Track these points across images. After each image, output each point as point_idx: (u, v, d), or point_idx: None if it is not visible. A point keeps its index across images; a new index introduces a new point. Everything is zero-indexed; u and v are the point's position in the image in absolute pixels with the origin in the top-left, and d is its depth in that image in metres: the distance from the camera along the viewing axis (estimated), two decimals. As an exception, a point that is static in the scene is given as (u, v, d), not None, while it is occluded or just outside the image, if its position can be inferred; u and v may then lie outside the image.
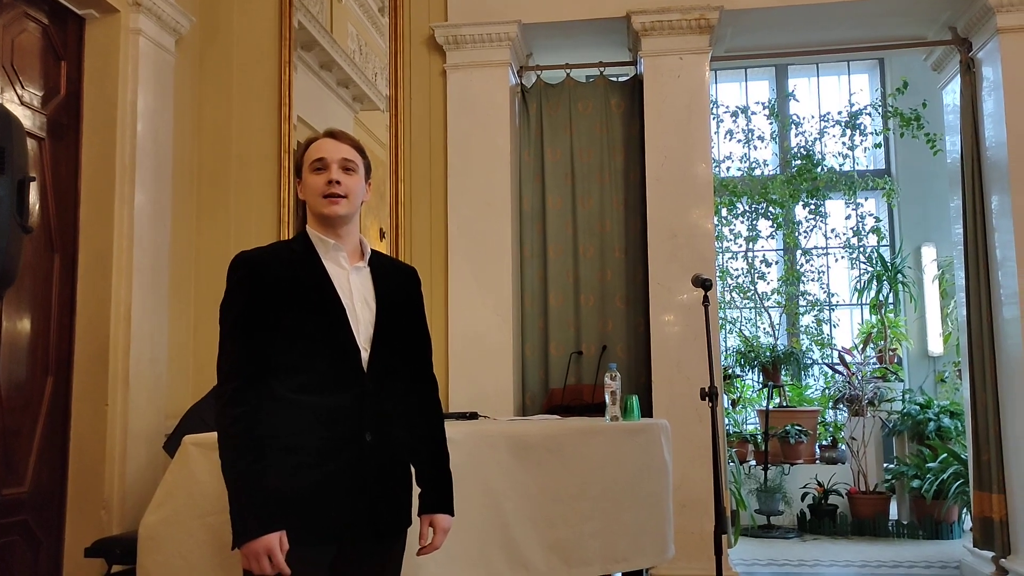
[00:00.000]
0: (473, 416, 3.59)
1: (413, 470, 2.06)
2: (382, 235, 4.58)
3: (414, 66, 4.61)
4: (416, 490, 2.06)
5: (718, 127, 7.34)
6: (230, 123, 4.56)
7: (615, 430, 3.15)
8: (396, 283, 2.06)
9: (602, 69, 4.81)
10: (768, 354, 6.91)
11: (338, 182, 1.94)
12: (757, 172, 7.30)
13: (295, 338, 1.87)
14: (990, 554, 4.42)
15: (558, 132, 4.79)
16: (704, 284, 3.01)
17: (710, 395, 2.78)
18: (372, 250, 2.05)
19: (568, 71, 4.82)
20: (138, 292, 3.88)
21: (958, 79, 4.61)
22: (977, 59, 4.50)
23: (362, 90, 4.72)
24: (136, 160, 3.91)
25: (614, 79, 4.81)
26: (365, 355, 1.92)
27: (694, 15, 4.39)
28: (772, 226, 7.24)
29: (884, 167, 7.87)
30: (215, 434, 1.85)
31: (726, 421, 6.84)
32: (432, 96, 4.58)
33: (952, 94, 4.75)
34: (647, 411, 4.20)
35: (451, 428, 2.30)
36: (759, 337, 7.20)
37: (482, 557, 2.72)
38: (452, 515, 2.07)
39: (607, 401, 3.28)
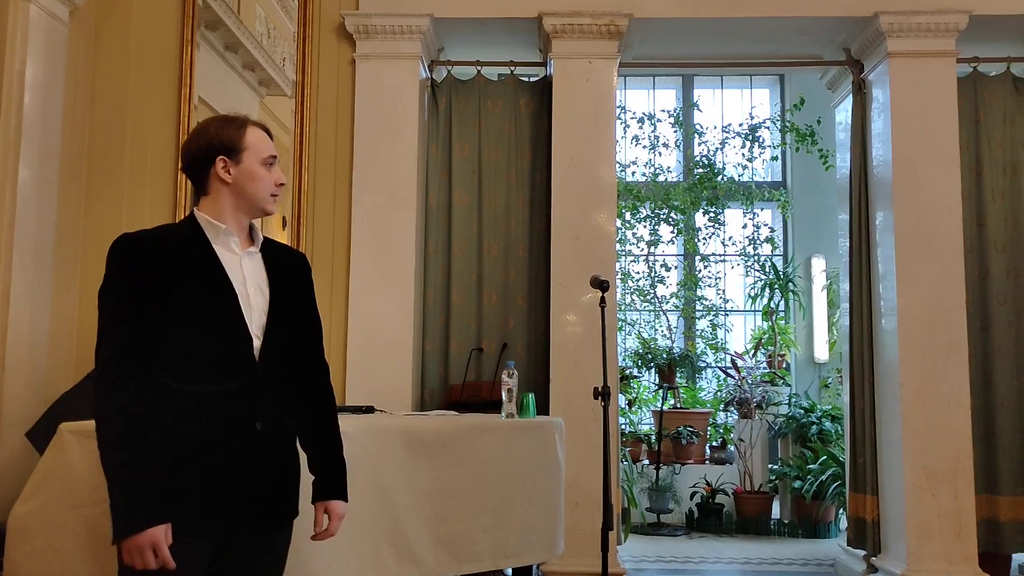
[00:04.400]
0: (369, 410, 3.56)
1: (304, 458, 2.03)
2: (284, 224, 4.49)
3: (323, 53, 4.53)
4: (307, 479, 2.03)
5: (625, 132, 7.48)
6: (125, 100, 4.39)
7: (510, 427, 3.18)
8: (288, 269, 2.02)
9: (513, 68, 4.84)
10: (664, 356, 7.09)
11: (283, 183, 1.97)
12: (661, 178, 7.48)
13: (182, 324, 1.81)
14: (862, 552, 4.65)
15: (467, 128, 4.79)
16: (601, 285, 3.06)
17: (603, 395, 2.83)
18: (264, 236, 2.01)
19: (479, 68, 4.82)
20: (18, 273, 3.70)
21: (850, 99, 4.83)
22: (868, 80, 4.72)
23: (269, 74, 4.61)
24: (22, 133, 3.72)
25: (525, 79, 4.85)
26: (257, 342, 1.88)
27: (604, 20, 4.47)
28: (673, 232, 7.43)
29: (781, 179, 8.18)
30: (94, 422, 1.77)
31: (622, 421, 7.00)
32: (340, 85, 4.52)
33: (844, 113, 4.97)
34: (544, 409, 4.25)
35: (345, 421, 2.27)
36: (657, 339, 7.37)
37: (372, 551, 2.70)
38: (346, 501, 2.04)
39: (503, 398, 3.30)
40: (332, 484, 2.03)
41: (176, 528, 1.75)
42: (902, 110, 4.45)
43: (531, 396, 3.40)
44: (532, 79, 4.85)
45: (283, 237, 4.38)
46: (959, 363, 4.32)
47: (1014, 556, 4.72)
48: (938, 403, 4.29)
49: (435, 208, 4.74)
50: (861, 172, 4.75)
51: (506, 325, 4.70)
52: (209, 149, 1.92)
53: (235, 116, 1.97)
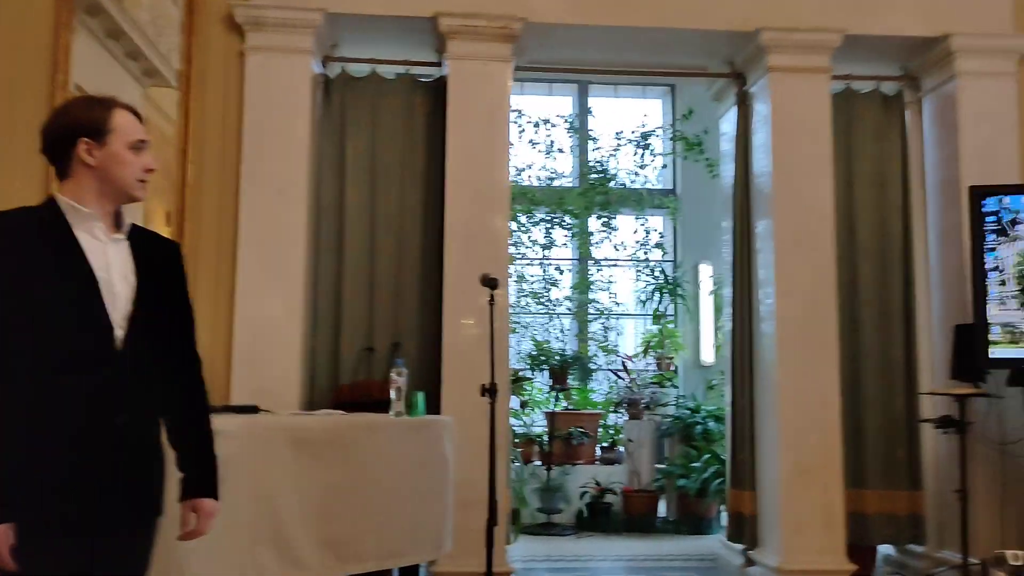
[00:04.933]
0: (253, 410, 3.47)
1: (173, 456, 1.96)
2: (168, 219, 4.33)
3: (211, 44, 4.40)
4: (175, 477, 1.96)
5: (521, 136, 7.56)
6: (-6, 85, 4.15)
7: (397, 425, 3.16)
8: (158, 258, 1.95)
9: (408, 68, 4.82)
10: (557, 359, 7.19)
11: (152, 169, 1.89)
12: (556, 183, 7.59)
13: (39, 313, 1.72)
14: (741, 546, 4.83)
15: (361, 126, 4.74)
16: (490, 283, 3.09)
17: (490, 391, 2.86)
18: (131, 223, 1.92)
19: (374, 66, 4.78)
20: None
21: (734, 110, 5.02)
22: (751, 93, 4.92)
23: (153, 64, 4.44)
24: None
25: (420, 78, 4.83)
26: (120, 332, 1.80)
27: (499, 23, 4.50)
28: (567, 236, 7.55)
29: (671, 187, 8.42)
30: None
31: (516, 423, 7.05)
32: (228, 77, 4.40)
33: (729, 124, 5.16)
34: (435, 409, 4.24)
35: (227, 421, 2.22)
36: (550, 342, 7.47)
37: (250, 555, 2.64)
38: (217, 499, 1.97)
39: (392, 396, 3.28)
40: (200, 481, 1.96)
41: (33, 526, 1.67)
42: (781, 122, 4.66)
43: (421, 395, 3.39)
44: (428, 79, 4.84)
45: (167, 231, 4.23)
46: (830, 364, 4.54)
47: (879, 547, 5.01)
48: (811, 401, 4.49)
49: (327, 206, 4.67)
50: (744, 181, 4.94)
51: (399, 325, 4.68)
52: (71, 130, 1.84)
53: (102, 97, 1.89)
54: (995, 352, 4.04)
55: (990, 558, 3.97)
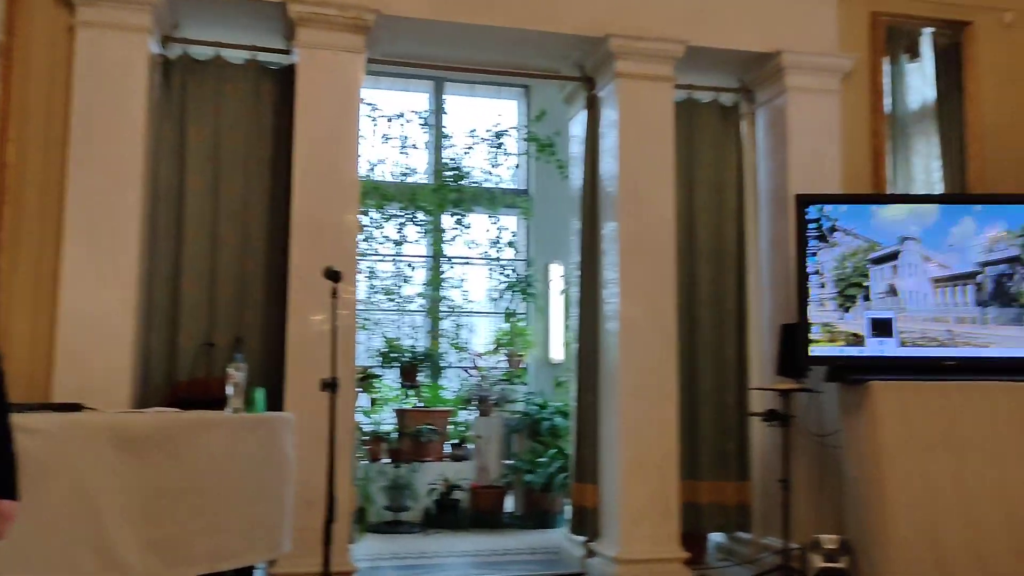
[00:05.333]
0: (76, 408, 3.25)
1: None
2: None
3: (35, 15, 4.10)
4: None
5: (375, 130, 7.46)
6: None
7: (233, 423, 3.05)
8: None
9: (255, 53, 4.66)
10: (408, 355, 7.15)
11: None
12: (410, 179, 7.53)
13: None
14: (583, 539, 4.96)
15: (203, 111, 4.55)
16: (333, 276, 3.03)
17: (330, 386, 2.80)
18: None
19: (219, 50, 4.59)
20: None
21: (584, 114, 5.14)
22: (599, 98, 5.06)
23: (-31, 33, 4.09)
24: None
25: (268, 65, 4.68)
26: None
27: (351, 13, 4.42)
28: (420, 232, 7.51)
29: (524, 187, 8.53)
30: None
31: (366, 421, 6.95)
32: (55, 51, 4.11)
33: (579, 127, 5.29)
34: (278, 406, 4.12)
35: (43, 419, 2.07)
36: (401, 339, 7.41)
37: (67, 559, 2.47)
38: (16, 499, 1.84)
39: (229, 393, 3.16)
40: None
41: None
42: (628, 128, 4.81)
43: (260, 391, 3.28)
44: (276, 66, 4.69)
45: (-19, 216, 3.91)
46: (669, 361, 4.73)
47: (711, 535, 5.27)
48: (651, 398, 4.67)
49: (165, 192, 4.45)
50: (592, 184, 5.07)
51: (242, 319, 4.52)
52: None
53: None
54: (815, 350, 4.33)
55: (808, 543, 4.26)
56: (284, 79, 4.62)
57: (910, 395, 4.09)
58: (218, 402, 3.97)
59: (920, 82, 5.44)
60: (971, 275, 4.32)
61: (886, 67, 5.24)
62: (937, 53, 5.33)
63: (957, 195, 5.07)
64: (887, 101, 5.24)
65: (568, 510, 5.51)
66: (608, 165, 4.92)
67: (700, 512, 4.95)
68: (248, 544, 2.97)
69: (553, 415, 6.98)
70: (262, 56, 4.67)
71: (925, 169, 5.42)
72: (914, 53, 5.37)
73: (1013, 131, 5.20)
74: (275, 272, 4.51)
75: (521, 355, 7.90)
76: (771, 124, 5.15)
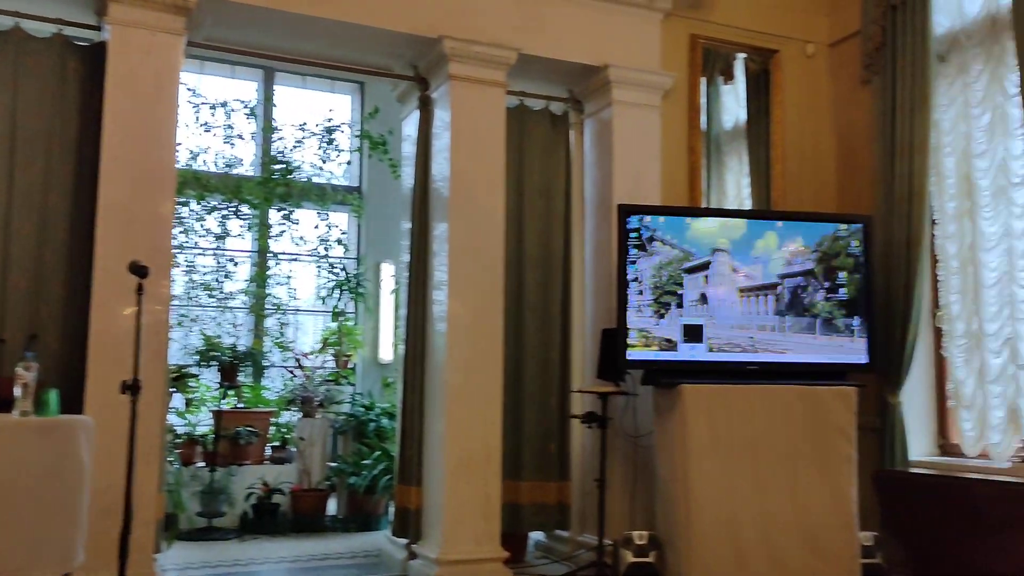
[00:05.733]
0: None
1: None
2: None
3: None
4: None
5: (197, 117, 7.11)
6: None
7: (20, 427, 2.80)
8: None
9: (62, 27, 4.31)
10: (229, 354, 6.85)
11: None
12: (235, 171, 7.22)
13: None
14: (405, 541, 4.93)
15: (0, 87, 4.16)
16: (139, 271, 2.85)
17: (131, 388, 2.63)
18: None
19: (18, 20, 4.22)
20: None
21: (417, 114, 5.12)
22: (433, 98, 5.05)
23: None
24: None
25: (75, 40, 4.34)
26: None
27: (171, -8, 4.18)
28: (244, 226, 7.22)
29: (357, 185, 8.40)
30: None
31: (180, 422, 6.60)
32: None
33: (411, 126, 5.25)
34: (78, 408, 3.82)
35: None
36: (221, 337, 7.09)
37: None
38: None
39: (17, 394, 2.90)
40: None
41: None
42: (460, 130, 4.83)
43: (54, 392, 3.03)
44: (85, 43, 4.36)
45: None
46: (495, 363, 4.79)
47: (531, 534, 5.38)
48: (477, 399, 4.70)
49: (-50, 174, 4.03)
50: (424, 184, 5.05)
51: (39, 314, 4.16)
52: None
53: None
54: (632, 354, 4.51)
55: (620, 539, 4.44)
56: (94, 57, 4.30)
57: (716, 398, 4.34)
58: (6, 403, 3.65)
59: (734, 103, 5.81)
60: (772, 286, 4.65)
61: (704, 87, 5.55)
62: (749, 77, 5.71)
63: (762, 211, 5.44)
64: (704, 119, 5.55)
65: (392, 512, 5.46)
66: (440, 166, 4.92)
67: (521, 512, 5.03)
68: (35, 558, 2.73)
69: (380, 416, 6.91)
70: (69, 31, 4.33)
71: (736, 185, 5.79)
72: (729, 76, 5.72)
73: (812, 155, 5.64)
74: (77, 264, 4.19)
75: (349, 355, 7.77)
76: (598, 135, 5.32)
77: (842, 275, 4.67)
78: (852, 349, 4.63)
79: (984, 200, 4.72)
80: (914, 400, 5.01)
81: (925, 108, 4.85)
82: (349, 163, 7.97)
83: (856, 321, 4.64)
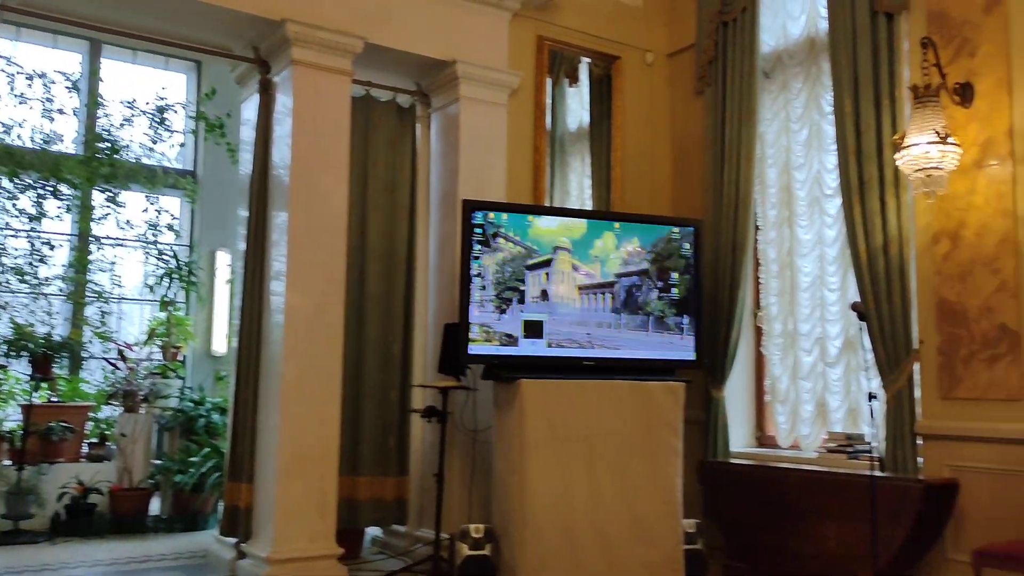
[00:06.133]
0: None
1: None
2: None
3: None
4: None
5: (12, 87, 6.53)
6: None
7: None
8: None
9: None
10: (42, 344, 6.36)
11: None
12: (53, 148, 6.69)
13: None
14: (234, 540, 4.74)
15: None
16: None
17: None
18: None
19: None
20: None
21: (257, 97, 4.93)
22: (274, 82, 4.88)
23: None
24: None
25: None
26: None
27: (-17, -51, 3.83)
28: (63, 207, 6.70)
29: (191, 168, 8.00)
30: None
31: (-17, 417, 6.07)
32: None
33: (251, 110, 5.06)
34: None
35: None
36: (34, 325, 6.56)
37: None
38: None
39: None
40: None
41: None
42: (303, 118, 4.69)
43: None
44: None
45: None
46: (335, 357, 4.69)
47: (368, 530, 5.32)
48: (314, 393, 4.59)
49: None
50: (263, 171, 4.87)
51: None
52: None
53: None
54: (473, 349, 4.54)
55: (457, 532, 4.46)
56: None
57: (553, 392, 4.45)
58: None
59: (578, 106, 5.97)
60: (609, 284, 4.81)
61: (550, 88, 5.66)
62: (593, 81, 5.88)
63: (601, 212, 5.62)
64: (549, 120, 5.67)
65: (221, 511, 5.25)
66: (281, 153, 4.76)
67: (359, 508, 4.97)
68: None
69: (210, 411, 6.63)
70: None
71: (579, 186, 5.95)
72: (574, 79, 5.87)
73: (649, 159, 5.88)
74: None
75: (178, 347, 7.40)
76: (444, 129, 5.32)
77: (674, 276, 4.89)
78: (681, 346, 4.86)
79: (801, 209, 5.09)
80: (736, 395, 5.33)
81: (751, 121, 5.16)
82: (183, 145, 7.58)
83: (685, 320, 4.88)
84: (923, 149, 3.92)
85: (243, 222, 4.99)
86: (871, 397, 3.87)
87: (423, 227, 5.38)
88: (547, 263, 4.71)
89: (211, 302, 7.93)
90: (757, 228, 5.31)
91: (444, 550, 4.55)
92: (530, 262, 4.67)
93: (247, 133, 5.12)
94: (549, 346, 4.65)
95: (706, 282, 5.09)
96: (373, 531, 5.44)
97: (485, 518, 4.67)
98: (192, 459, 6.18)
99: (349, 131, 4.85)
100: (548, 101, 5.63)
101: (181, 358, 7.47)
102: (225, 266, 8.00)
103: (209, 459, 6.08)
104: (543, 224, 4.73)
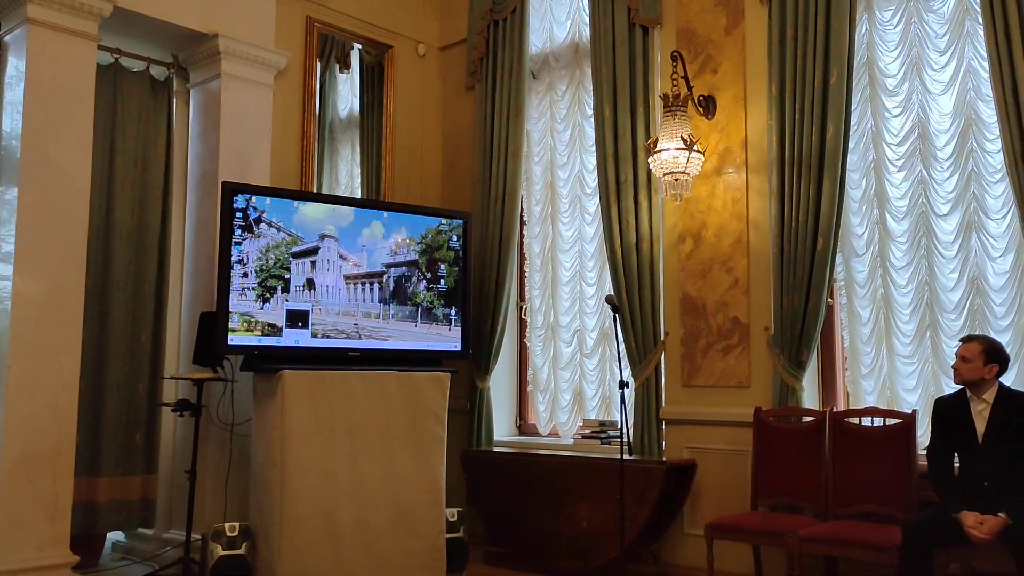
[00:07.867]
0: None
1: None
2: None
3: None
4: None
5: None
6: None
7: None
8: None
9: None
10: None
11: None
12: None
13: None
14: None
15: None
16: None
17: None
18: None
19: None
20: None
21: (-17, 57, 4.39)
22: (5, 43, 4.37)
23: None
24: None
25: None
26: None
27: None
28: None
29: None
30: None
31: None
32: None
33: (-24, 70, 4.49)
34: None
35: None
36: None
37: None
38: None
39: None
40: None
41: None
42: (38, 83, 4.24)
43: None
44: None
45: None
46: (73, 346, 4.29)
47: (108, 535, 4.91)
48: (47, 386, 4.18)
49: None
50: (-13, 140, 4.35)
51: None
52: None
53: None
54: (233, 339, 4.31)
55: (210, 532, 4.22)
56: None
57: (316, 383, 4.33)
58: None
59: (349, 93, 5.85)
60: (378, 274, 4.76)
61: (319, 72, 5.50)
62: (364, 68, 5.79)
63: (370, 200, 5.55)
64: (319, 105, 5.51)
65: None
66: (12, 121, 4.27)
67: (97, 511, 4.59)
68: None
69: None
70: None
71: (349, 174, 5.85)
72: (345, 64, 5.75)
73: (420, 151, 5.89)
74: None
75: None
76: (204, 107, 5.02)
77: (443, 267, 4.93)
78: (448, 337, 4.91)
79: (563, 206, 5.33)
80: (500, 385, 5.48)
81: (519, 118, 5.32)
82: None
83: (453, 311, 4.93)
84: (672, 154, 4.24)
85: (-39, 197, 4.42)
86: (623, 385, 4.14)
87: (179, 209, 5.05)
88: (314, 251, 4.58)
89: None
90: (523, 223, 5.48)
91: (196, 552, 4.30)
92: (296, 250, 4.52)
93: (-29, 97, 4.54)
94: (315, 336, 4.53)
95: (474, 274, 5.19)
96: (115, 535, 5.03)
97: (242, 516, 4.46)
98: None
99: (94, 101, 4.43)
100: (317, 85, 5.47)
101: None
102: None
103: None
104: (309, 211, 4.59)
